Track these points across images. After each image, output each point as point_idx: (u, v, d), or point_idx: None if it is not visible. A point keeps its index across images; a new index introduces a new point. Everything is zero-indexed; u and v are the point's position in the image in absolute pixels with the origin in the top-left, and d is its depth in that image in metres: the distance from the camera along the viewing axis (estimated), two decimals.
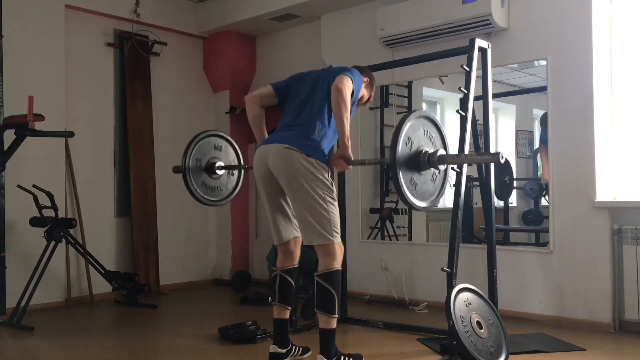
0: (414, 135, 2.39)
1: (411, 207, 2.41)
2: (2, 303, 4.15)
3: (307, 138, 2.79)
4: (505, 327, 2.99)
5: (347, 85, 2.72)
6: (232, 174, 3.40)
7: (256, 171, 2.93)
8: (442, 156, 2.42)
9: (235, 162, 3.41)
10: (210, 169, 3.21)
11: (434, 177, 2.44)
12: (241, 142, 5.81)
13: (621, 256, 3.65)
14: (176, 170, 3.19)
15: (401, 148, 2.34)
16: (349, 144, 2.73)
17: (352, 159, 2.79)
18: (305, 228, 2.81)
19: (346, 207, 4.14)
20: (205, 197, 3.27)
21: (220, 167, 3.23)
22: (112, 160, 5.26)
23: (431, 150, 2.43)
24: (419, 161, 2.38)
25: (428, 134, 2.46)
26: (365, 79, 3.07)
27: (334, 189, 2.83)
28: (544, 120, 4.11)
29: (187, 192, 3.32)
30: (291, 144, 2.76)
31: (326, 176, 2.78)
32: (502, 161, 2.27)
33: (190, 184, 3.16)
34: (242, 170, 3.43)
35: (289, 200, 2.91)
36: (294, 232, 3.01)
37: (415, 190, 2.38)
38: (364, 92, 3.07)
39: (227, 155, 3.35)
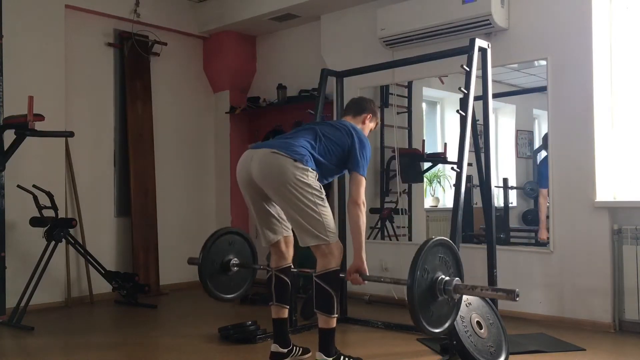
0: (429, 264, 2.42)
1: (429, 334, 2.45)
2: (2, 303, 4.15)
3: (298, 146, 2.78)
4: (505, 327, 2.99)
5: (363, 191, 2.83)
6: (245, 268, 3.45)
7: (238, 176, 2.91)
8: (457, 286, 2.45)
9: (249, 251, 3.44)
10: (226, 266, 3.29)
11: (449, 300, 2.46)
12: (240, 143, 5.85)
13: (621, 256, 3.65)
14: (191, 262, 3.24)
15: (418, 283, 2.35)
16: (365, 257, 2.76)
17: (368, 273, 2.79)
18: (298, 231, 2.79)
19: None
20: (220, 294, 3.33)
21: (235, 265, 3.32)
22: (112, 160, 5.26)
23: (447, 278, 2.45)
24: (435, 289, 2.42)
25: (443, 260, 2.48)
26: (367, 116, 3.16)
27: (322, 190, 2.80)
28: (545, 140, 3.98)
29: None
30: (278, 149, 2.75)
31: (313, 179, 2.75)
32: (517, 300, 2.31)
33: (210, 287, 3.24)
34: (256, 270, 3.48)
35: (276, 204, 2.89)
36: (282, 232, 3.00)
37: (431, 318, 2.41)
38: (371, 127, 3.20)
39: (242, 251, 3.40)
